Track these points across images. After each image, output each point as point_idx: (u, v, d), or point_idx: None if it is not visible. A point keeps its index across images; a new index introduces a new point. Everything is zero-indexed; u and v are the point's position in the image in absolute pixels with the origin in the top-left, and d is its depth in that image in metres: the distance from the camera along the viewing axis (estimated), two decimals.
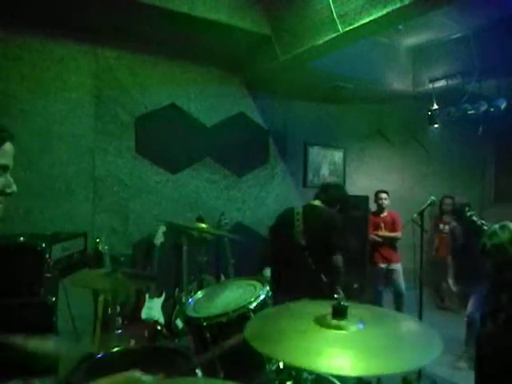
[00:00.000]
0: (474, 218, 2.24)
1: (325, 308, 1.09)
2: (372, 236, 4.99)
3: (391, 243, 4.94)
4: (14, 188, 1.11)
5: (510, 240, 1.96)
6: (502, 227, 2.06)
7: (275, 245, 3.42)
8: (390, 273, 4.90)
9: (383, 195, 5.08)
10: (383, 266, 4.92)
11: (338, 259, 3.00)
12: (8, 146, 1.08)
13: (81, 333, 2.93)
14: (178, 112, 4.38)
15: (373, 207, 5.48)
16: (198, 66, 4.43)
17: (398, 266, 4.89)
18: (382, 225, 5.00)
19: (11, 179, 1.11)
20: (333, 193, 3.26)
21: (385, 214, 5.05)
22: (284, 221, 3.25)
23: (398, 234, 4.90)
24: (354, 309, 1.08)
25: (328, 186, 3.39)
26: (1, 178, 1.07)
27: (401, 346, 1.02)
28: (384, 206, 5.05)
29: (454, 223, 5.44)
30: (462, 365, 3.88)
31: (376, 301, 4.85)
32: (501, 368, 1.66)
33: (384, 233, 4.96)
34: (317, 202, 3.22)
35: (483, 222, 2.26)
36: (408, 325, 1.19)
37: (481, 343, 1.78)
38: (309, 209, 3.19)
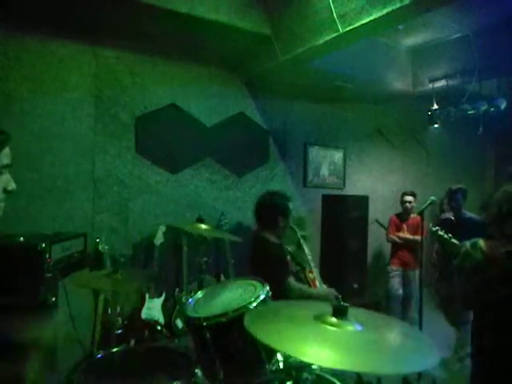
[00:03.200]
0: (440, 233, 2.10)
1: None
2: (392, 236, 4.92)
3: (412, 247, 4.71)
4: (14, 185, 1.19)
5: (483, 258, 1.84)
6: (474, 245, 1.94)
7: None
8: (404, 277, 4.81)
9: (408, 198, 4.84)
10: (399, 269, 4.82)
11: (292, 286, 2.60)
12: (7, 147, 1.16)
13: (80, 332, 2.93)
14: (178, 112, 4.38)
15: (373, 208, 5.48)
16: (197, 65, 4.43)
17: (412, 273, 4.75)
18: (405, 227, 4.85)
19: (10, 177, 1.18)
20: (265, 204, 2.89)
21: (410, 217, 4.83)
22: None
23: (418, 238, 4.45)
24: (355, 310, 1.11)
25: (258, 204, 2.95)
26: (3, 176, 1.13)
27: (394, 351, 1.06)
28: (409, 210, 4.83)
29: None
30: (460, 365, 3.88)
31: (387, 302, 4.82)
32: None
33: (405, 235, 4.82)
34: (259, 230, 2.88)
35: (450, 236, 2.12)
36: (408, 334, 1.20)
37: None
38: (253, 239, 2.93)
